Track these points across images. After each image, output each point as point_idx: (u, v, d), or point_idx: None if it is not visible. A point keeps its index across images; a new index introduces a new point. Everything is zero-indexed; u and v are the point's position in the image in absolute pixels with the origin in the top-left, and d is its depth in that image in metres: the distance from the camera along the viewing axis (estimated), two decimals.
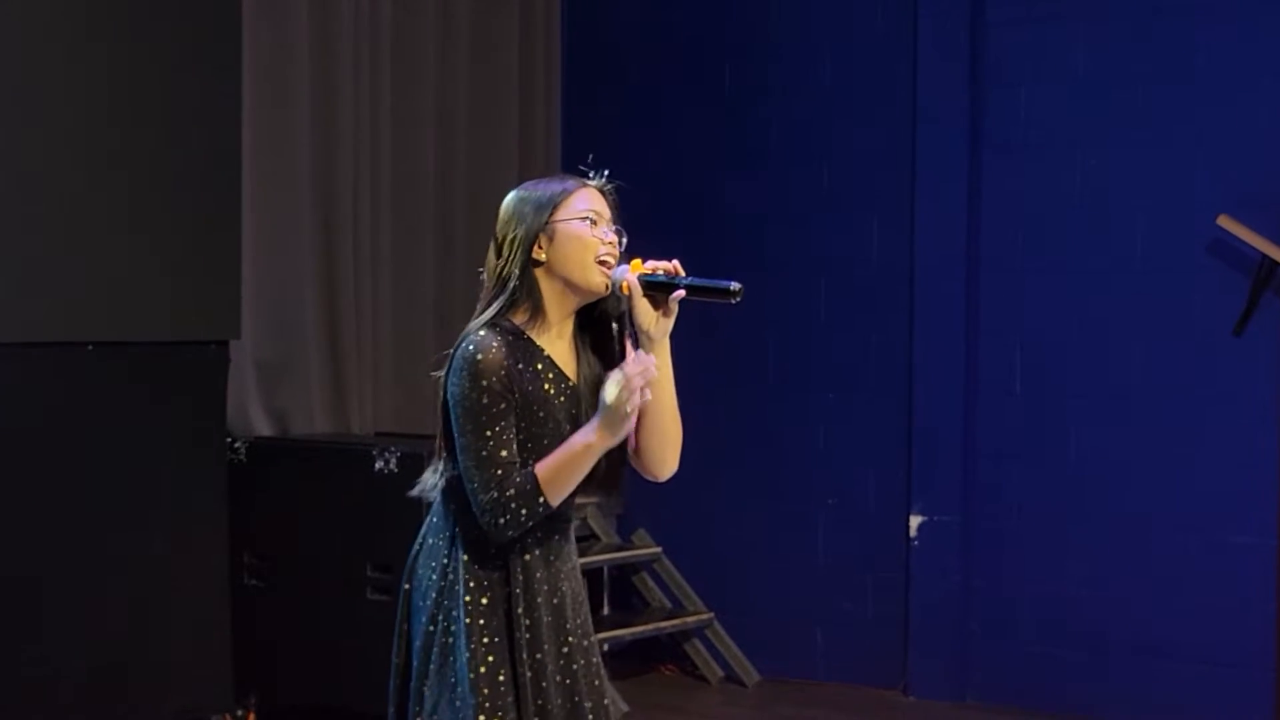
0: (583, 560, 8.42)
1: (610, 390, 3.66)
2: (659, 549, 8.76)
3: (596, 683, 3.95)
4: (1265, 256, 7.40)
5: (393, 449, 6.91)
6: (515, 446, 3.74)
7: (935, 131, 8.15)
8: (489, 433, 3.71)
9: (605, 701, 3.97)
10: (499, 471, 3.70)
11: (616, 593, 8.92)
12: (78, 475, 6.31)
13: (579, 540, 8.67)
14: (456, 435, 3.76)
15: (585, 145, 9.21)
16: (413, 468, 6.79)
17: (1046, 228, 7.96)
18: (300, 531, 7.10)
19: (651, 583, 8.84)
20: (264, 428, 7.56)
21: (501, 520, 3.70)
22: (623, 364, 3.70)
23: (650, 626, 8.48)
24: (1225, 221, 7.44)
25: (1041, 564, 7.96)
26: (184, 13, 6.62)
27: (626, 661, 8.73)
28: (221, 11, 6.76)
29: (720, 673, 8.61)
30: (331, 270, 7.86)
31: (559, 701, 3.85)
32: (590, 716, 3.90)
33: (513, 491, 3.69)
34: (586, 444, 3.71)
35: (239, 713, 7.11)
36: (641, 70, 9.00)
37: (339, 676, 6.98)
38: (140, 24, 6.48)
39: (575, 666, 3.90)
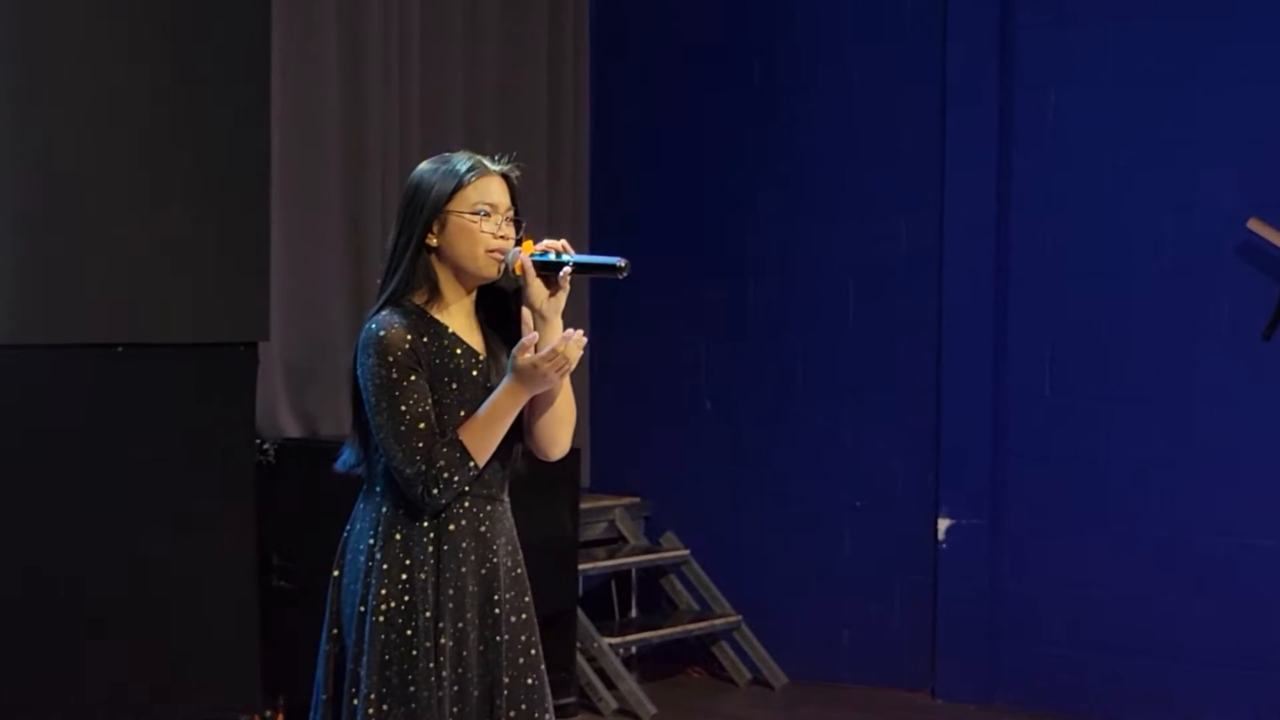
0: (611, 563, 8.46)
1: (528, 358, 3.76)
2: (687, 551, 8.76)
3: (522, 660, 3.95)
4: None
5: None
6: (432, 417, 3.80)
7: (964, 133, 8.14)
8: (404, 406, 3.78)
9: (530, 680, 3.96)
10: (420, 443, 3.77)
11: (644, 595, 8.92)
12: (107, 476, 6.32)
13: (607, 543, 8.70)
14: (372, 415, 3.81)
15: (613, 145, 9.27)
16: None
17: (1076, 230, 7.95)
18: (328, 533, 7.08)
19: (679, 585, 8.84)
20: (293, 429, 7.57)
21: (435, 490, 3.78)
22: (565, 338, 3.80)
23: (678, 629, 8.48)
24: (1255, 225, 7.42)
25: (1069, 567, 7.94)
26: (214, 15, 6.63)
27: (654, 664, 8.73)
28: (251, 13, 6.78)
29: (748, 675, 8.60)
30: (360, 272, 7.86)
31: (478, 673, 3.87)
32: (506, 692, 3.90)
33: (442, 462, 3.77)
34: (508, 400, 3.80)
35: (267, 713, 7.12)
36: (670, 69, 8.99)
37: None
38: (170, 27, 6.50)
39: (499, 639, 3.90)
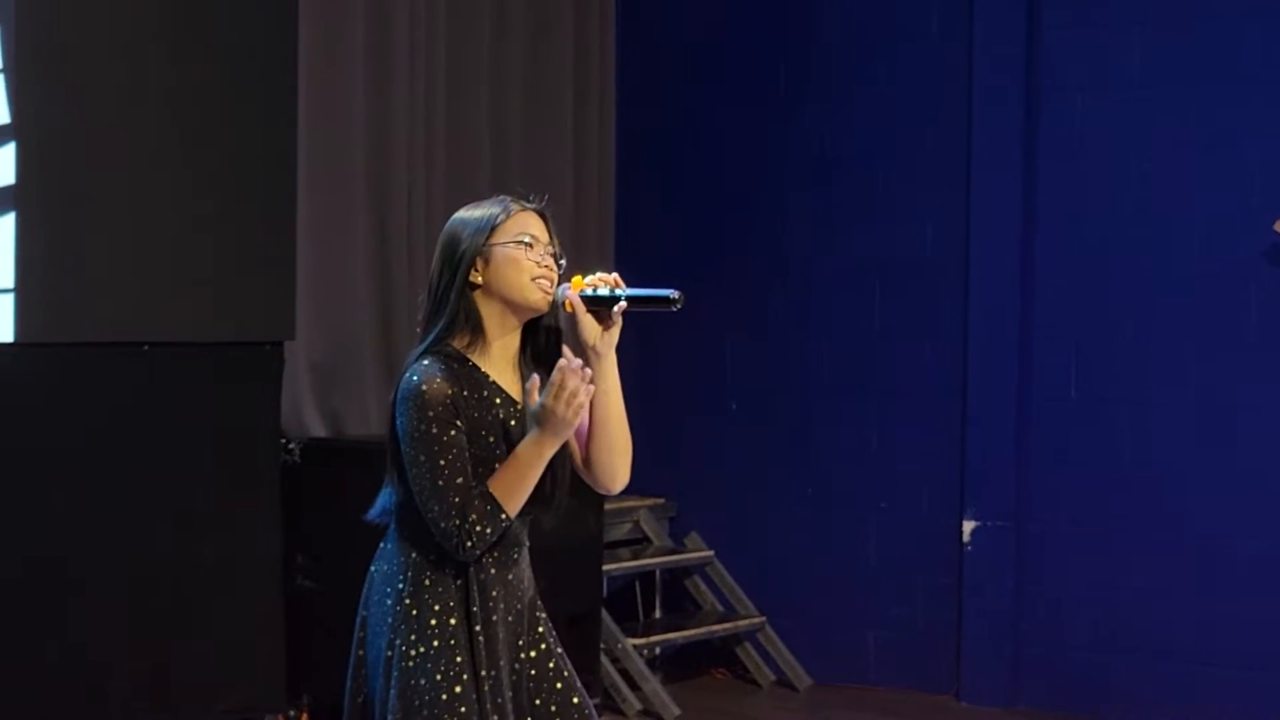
0: (635, 564, 8.46)
1: (545, 395, 3.70)
2: (711, 552, 8.76)
3: (559, 685, 3.96)
4: None
5: None
6: (469, 471, 3.77)
7: (990, 135, 8.13)
8: (442, 462, 3.75)
9: (575, 699, 3.97)
10: (457, 499, 3.74)
11: (668, 596, 8.93)
12: (133, 475, 6.34)
13: (633, 543, 8.72)
14: (409, 466, 3.78)
15: (640, 148, 9.28)
16: None
17: (1102, 232, 7.93)
18: (353, 533, 7.08)
19: (703, 586, 8.84)
20: (318, 429, 7.58)
21: (468, 544, 3.74)
22: (560, 369, 3.71)
23: (702, 630, 8.48)
24: None
25: (1094, 569, 7.93)
26: (240, 15, 6.65)
27: (678, 665, 8.73)
28: (277, 14, 6.80)
29: (771, 677, 8.60)
30: (385, 272, 7.88)
31: (512, 717, 3.87)
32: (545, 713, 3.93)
33: (474, 516, 3.73)
34: (531, 449, 3.76)
35: (292, 713, 7.14)
36: (696, 74, 8.99)
37: None
38: (197, 26, 6.52)
39: (528, 678, 3.93)
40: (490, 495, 3.75)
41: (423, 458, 3.75)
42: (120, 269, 6.30)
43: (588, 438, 3.92)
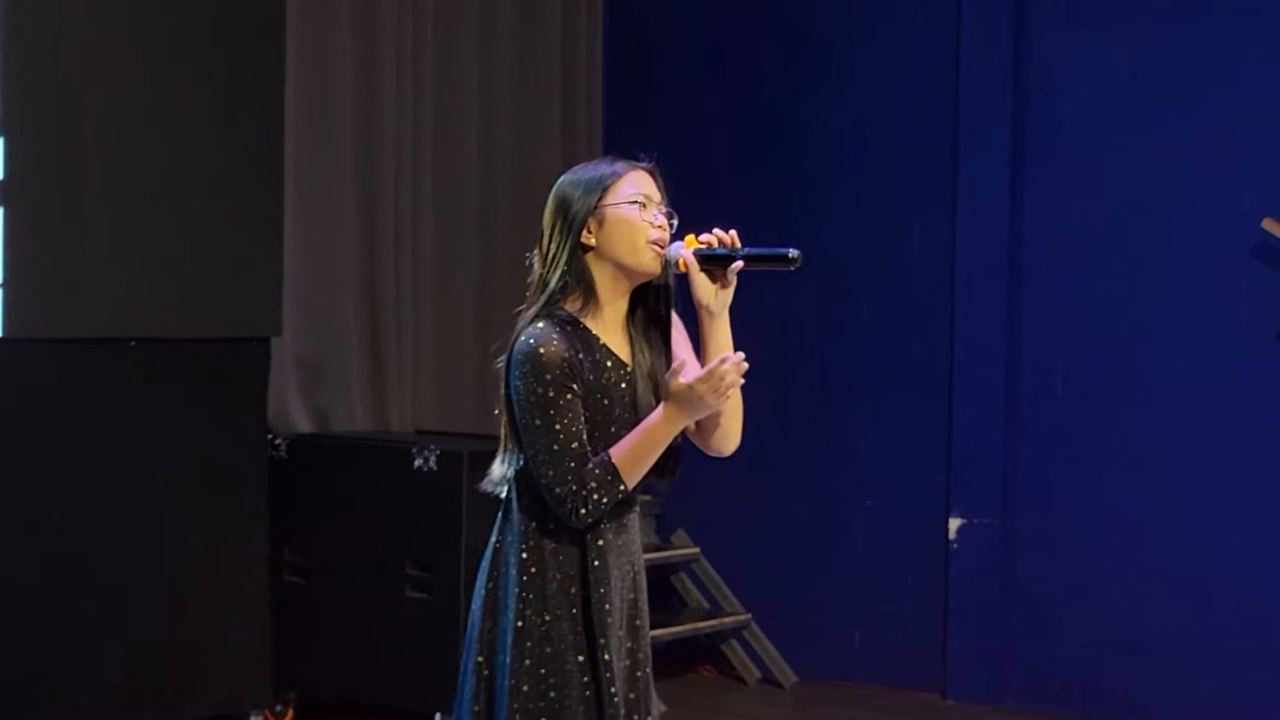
0: None
1: (697, 379, 3.65)
2: (697, 549, 8.76)
3: (647, 670, 3.94)
4: None
5: (432, 447, 6.92)
6: (585, 435, 3.72)
7: (977, 133, 8.14)
8: (558, 425, 3.69)
9: (651, 692, 3.96)
10: (573, 463, 3.68)
11: (654, 593, 8.78)
12: (119, 471, 6.34)
13: None
14: (524, 430, 3.73)
15: (627, 145, 9.23)
16: (452, 466, 6.81)
17: (1089, 230, 7.94)
18: (340, 529, 7.12)
19: (689, 583, 8.84)
20: (304, 425, 7.57)
21: (582, 510, 3.68)
22: (725, 358, 3.68)
23: (688, 627, 8.48)
24: (1270, 224, 7.41)
25: (1081, 567, 7.94)
26: (227, 10, 6.65)
27: (664, 662, 8.71)
28: (265, 10, 6.79)
29: (757, 674, 8.60)
30: (373, 268, 7.87)
31: (625, 687, 3.84)
32: (639, 706, 3.89)
33: (593, 483, 3.68)
34: (664, 426, 3.71)
35: (278, 709, 7.14)
36: (682, 70, 8.99)
37: (378, 674, 6.99)
38: (184, 22, 6.52)
39: (640, 653, 3.90)
40: (611, 464, 3.70)
41: (538, 421, 3.70)
42: (107, 265, 6.29)
43: None
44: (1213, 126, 7.67)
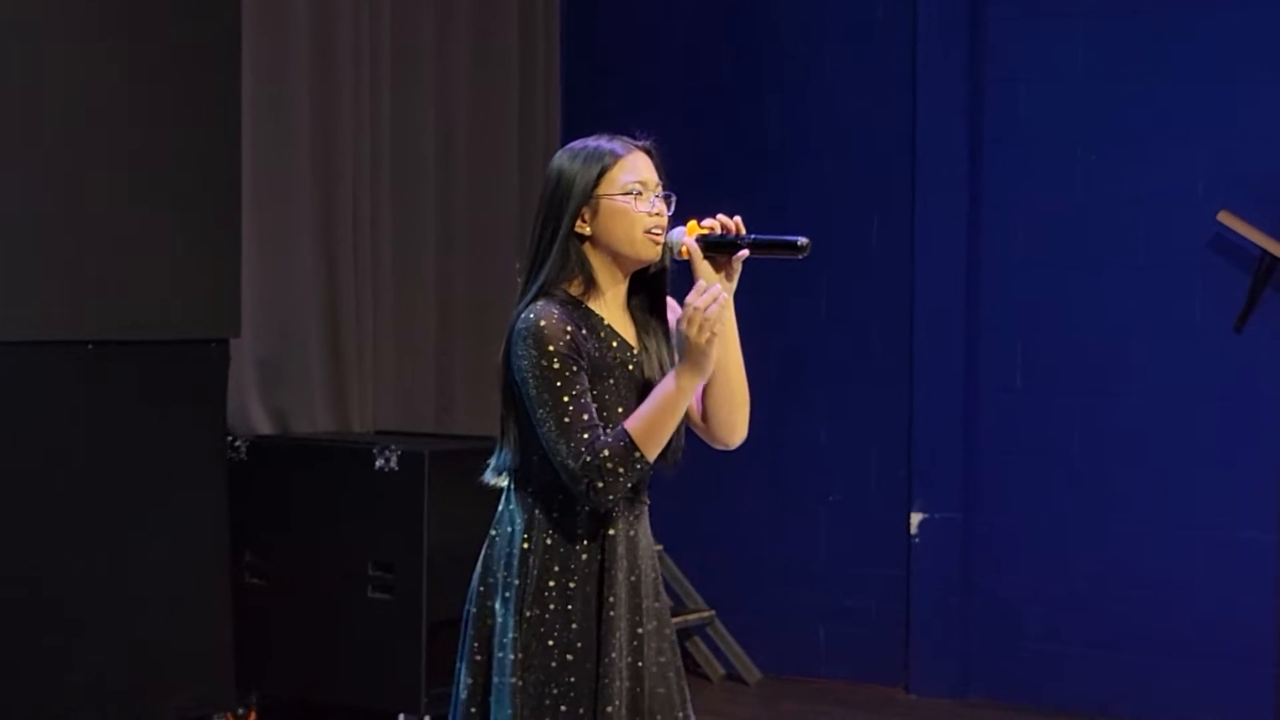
0: None
1: (678, 325, 3.58)
2: (660, 546, 8.71)
3: (670, 674, 3.83)
4: (1265, 252, 7.40)
5: (393, 447, 6.90)
6: (595, 409, 3.62)
7: (936, 127, 8.15)
8: (566, 398, 3.58)
9: (682, 685, 3.86)
10: (585, 435, 3.56)
11: None
12: (79, 474, 6.30)
13: None
14: (533, 408, 3.61)
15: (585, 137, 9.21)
16: (413, 466, 6.80)
17: (1047, 224, 7.96)
18: (301, 530, 7.10)
19: None
20: (264, 426, 7.55)
21: (600, 484, 3.56)
22: (690, 298, 3.57)
23: None
24: (1226, 217, 7.44)
25: (1043, 560, 7.96)
26: (184, 11, 6.62)
27: None
28: (221, 10, 6.76)
29: (722, 670, 8.60)
30: (332, 268, 7.85)
31: (628, 684, 3.72)
32: (657, 705, 3.77)
33: (606, 452, 3.55)
34: (676, 388, 3.60)
35: (240, 711, 7.11)
36: (641, 66, 8.98)
37: (341, 674, 6.98)
38: (141, 22, 6.48)
39: (646, 650, 3.77)
40: (625, 433, 3.57)
41: (546, 395, 3.59)
42: (64, 266, 6.25)
43: (705, 390, 3.78)
44: (1169, 119, 7.69)
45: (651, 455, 3.60)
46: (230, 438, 7.10)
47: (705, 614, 8.60)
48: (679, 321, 3.61)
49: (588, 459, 3.56)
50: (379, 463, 6.88)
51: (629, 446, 3.57)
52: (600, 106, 9.06)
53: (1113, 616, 7.79)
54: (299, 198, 7.70)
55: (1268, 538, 7.47)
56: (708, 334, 3.56)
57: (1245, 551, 7.52)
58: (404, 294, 8.25)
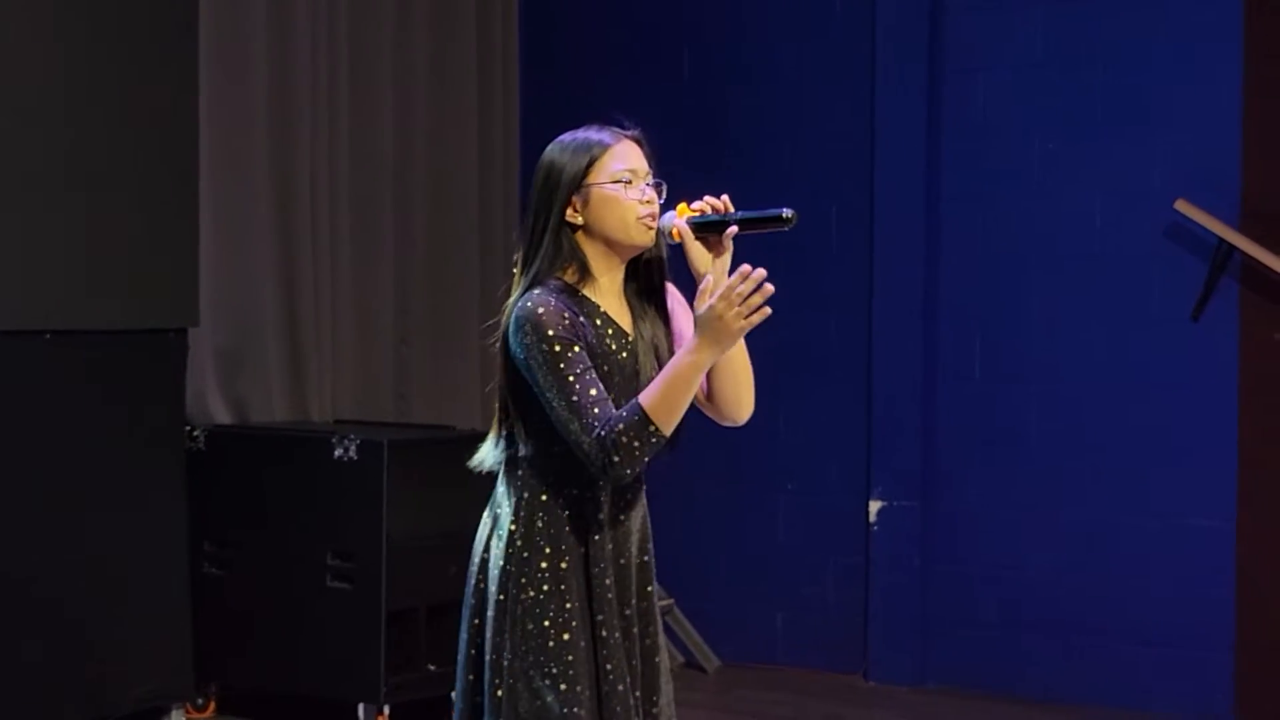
0: None
1: (716, 297, 3.56)
2: None
3: (656, 659, 3.87)
4: (1222, 241, 7.42)
5: (352, 436, 6.90)
6: (601, 385, 3.63)
7: (894, 117, 8.16)
8: (571, 377, 3.60)
9: (663, 681, 3.88)
10: (597, 409, 3.58)
11: None
12: (35, 464, 6.29)
13: None
14: (542, 394, 3.63)
15: (544, 130, 9.20)
16: (372, 455, 6.79)
17: (1005, 213, 7.98)
18: (260, 520, 7.09)
19: None
20: (223, 416, 7.53)
21: (615, 458, 3.56)
22: (741, 271, 3.58)
23: None
24: (1183, 206, 7.46)
25: (1001, 548, 7.98)
26: (143, 4, 6.60)
27: None
28: (180, 4, 6.75)
29: (680, 659, 8.61)
30: (290, 257, 7.83)
31: (621, 666, 3.75)
32: (641, 692, 3.80)
33: (621, 426, 3.56)
34: (692, 363, 3.61)
35: (200, 701, 7.10)
36: (599, 57, 8.97)
37: (300, 664, 6.97)
38: (96, 10, 6.46)
39: (634, 630, 3.80)
40: (639, 406, 3.58)
41: (552, 378, 3.61)
42: (20, 256, 6.23)
43: (712, 369, 3.79)
44: (1126, 109, 7.71)
45: (667, 429, 3.61)
46: (189, 428, 7.09)
47: (664, 602, 8.59)
48: (699, 297, 3.63)
49: (601, 433, 3.58)
50: (338, 452, 6.87)
51: (643, 420, 3.58)
52: (559, 102, 9.05)
53: (1070, 604, 7.82)
54: (257, 188, 7.69)
55: (1225, 525, 7.51)
56: (742, 320, 3.59)
57: (1202, 539, 7.55)
58: (362, 283, 8.24)
